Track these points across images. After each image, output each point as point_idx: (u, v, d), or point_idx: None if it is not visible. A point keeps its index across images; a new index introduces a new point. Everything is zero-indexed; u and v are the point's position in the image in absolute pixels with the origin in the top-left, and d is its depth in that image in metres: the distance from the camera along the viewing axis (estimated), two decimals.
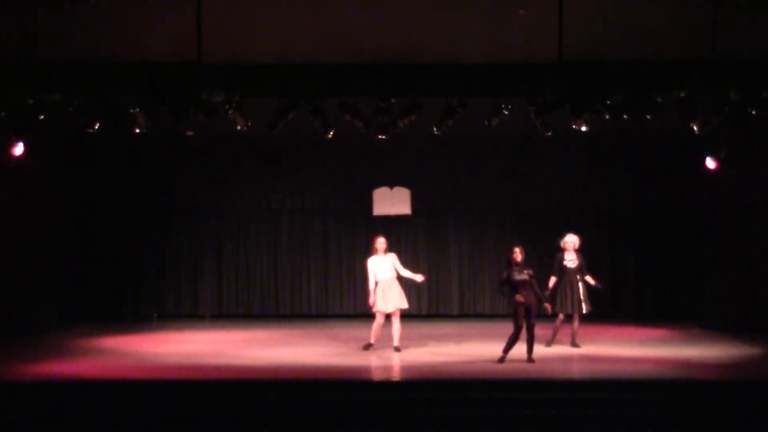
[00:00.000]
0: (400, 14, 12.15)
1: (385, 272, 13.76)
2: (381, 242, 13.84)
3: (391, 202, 18.26)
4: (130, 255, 18.32)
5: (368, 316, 18.14)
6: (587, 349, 13.98)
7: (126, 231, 18.28)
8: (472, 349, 14.00)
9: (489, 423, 10.51)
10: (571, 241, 14.14)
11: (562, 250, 14.16)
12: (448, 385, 11.44)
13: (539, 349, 13.60)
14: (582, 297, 13.95)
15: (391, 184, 18.25)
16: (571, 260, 14.04)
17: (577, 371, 12.24)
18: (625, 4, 12.12)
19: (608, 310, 18.28)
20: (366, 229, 18.43)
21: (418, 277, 14.03)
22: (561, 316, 13.98)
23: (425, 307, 18.59)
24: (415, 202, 18.26)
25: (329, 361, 13.00)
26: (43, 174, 15.94)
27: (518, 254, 12.87)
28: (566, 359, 13.06)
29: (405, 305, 13.82)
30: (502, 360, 12.58)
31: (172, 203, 18.42)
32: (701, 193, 16.95)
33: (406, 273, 13.92)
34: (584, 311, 13.96)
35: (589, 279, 14.12)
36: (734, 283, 16.03)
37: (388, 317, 13.80)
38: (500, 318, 14.88)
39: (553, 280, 14.10)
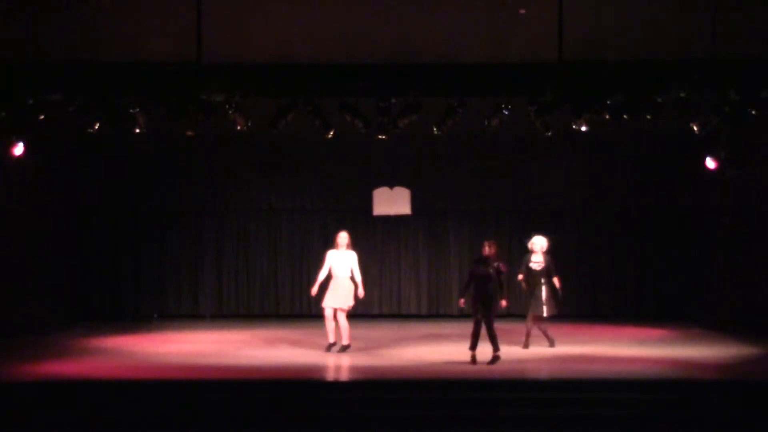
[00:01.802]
0: (399, 14, 12.16)
1: (341, 269, 13.58)
2: (343, 237, 13.68)
3: (391, 202, 18.25)
4: (130, 255, 18.32)
5: (367, 316, 18.22)
6: (588, 349, 13.97)
7: (126, 231, 18.28)
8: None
9: (488, 423, 10.51)
10: (538, 242, 14.02)
11: (529, 252, 14.07)
12: (448, 385, 11.43)
13: (537, 350, 13.65)
14: (544, 300, 13.80)
15: (391, 184, 18.25)
16: (537, 262, 13.92)
17: (577, 371, 12.23)
18: (625, 4, 12.13)
19: (608, 310, 18.33)
20: (366, 229, 18.45)
21: (360, 292, 13.68)
22: (530, 316, 13.91)
23: (425, 307, 18.60)
24: (415, 202, 18.26)
25: (328, 361, 12.99)
26: (43, 174, 15.94)
27: (486, 248, 12.82)
28: (566, 359, 13.05)
29: (351, 303, 13.61)
30: (495, 359, 12.57)
31: (172, 203, 18.41)
32: (701, 193, 16.95)
33: (358, 278, 13.66)
34: (545, 314, 13.80)
35: (555, 281, 13.97)
36: (734, 283, 16.03)
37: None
38: (500, 318, 14.84)
39: (520, 277, 14.01)
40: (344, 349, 13.51)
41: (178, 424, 10.54)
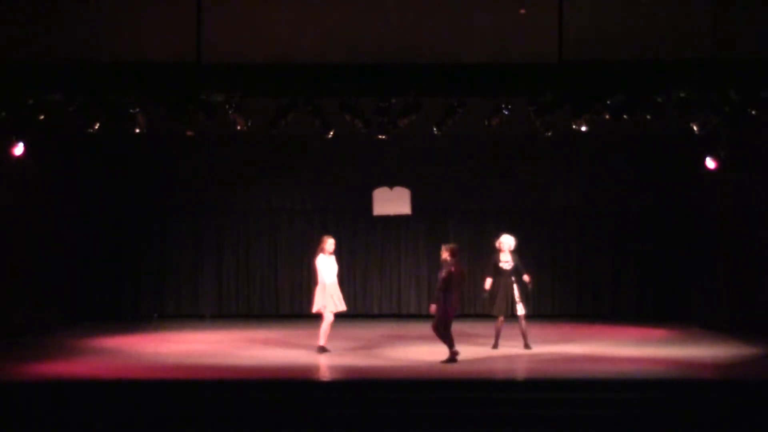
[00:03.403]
0: (400, 14, 12.15)
1: (334, 274, 13.60)
2: (332, 243, 13.66)
3: (391, 202, 18.25)
4: (130, 255, 18.32)
5: (367, 316, 18.24)
6: (588, 349, 13.98)
7: (126, 231, 18.28)
8: (471, 349, 13.99)
9: (489, 423, 10.51)
10: (506, 242, 13.98)
11: (497, 251, 14.02)
12: (448, 385, 11.44)
13: (537, 350, 13.69)
14: (517, 298, 13.77)
15: (391, 184, 18.24)
16: (506, 261, 13.88)
17: (577, 371, 12.24)
18: (624, 4, 12.13)
19: (608, 310, 18.33)
20: (366, 229, 18.44)
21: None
22: (501, 318, 13.84)
23: (425, 307, 18.56)
24: (415, 202, 18.26)
25: (328, 361, 13.00)
26: (43, 174, 15.94)
27: (445, 252, 12.90)
28: (566, 359, 13.06)
29: (343, 308, 13.71)
30: (455, 358, 12.64)
31: (172, 203, 18.41)
32: (701, 193, 16.95)
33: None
34: (518, 312, 13.77)
35: (525, 278, 13.93)
36: (734, 283, 16.03)
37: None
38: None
39: (488, 282, 13.96)
40: (325, 350, 13.55)
41: (178, 424, 10.54)
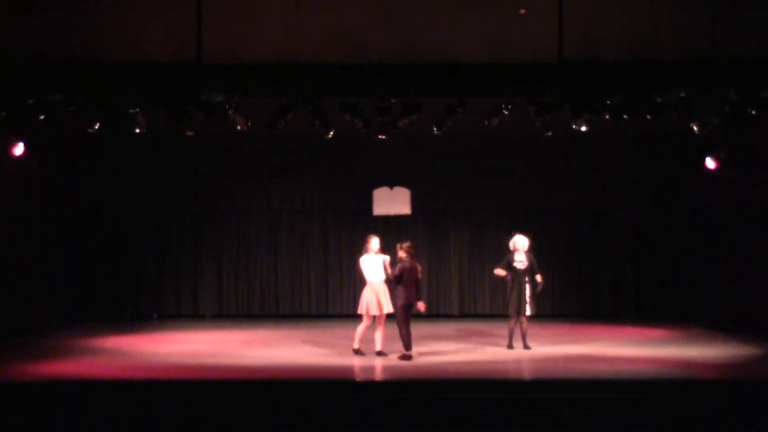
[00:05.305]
0: (400, 14, 12.16)
1: (378, 274, 13.35)
2: (376, 242, 13.41)
3: (391, 202, 18.26)
4: (130, 255, 18.34)
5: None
6: (588, 349, 13.98)
7: (126, 231, 18.31)
8: (472, 349, 14.00)
9: (489, 423, 10.50)
10: (520, 242, 13.90)
11: (511, 252, 13.91)
12: (448, 385, 11.44)
13: (536, 350, 13.67)
14: (528, 299, 13.72)
15: (391, 184, 18.25)
16: (520, 261, 13.78)
17: (577, 371, 12.24)
18: (624, 4, 12.13)
19: (608, 310, 18.34)
20: (366, 229, 18.42)
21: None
22: (515, 318, 13.79)
23: (425, 307, 18.58)
24: (415, 202, 18.27)
25: (329, 361, 12.99)
26: (43, 174, 15.95)
27: (399, 251, 13.03)
28: (566, 359, 13.05)
29: (392, 309, 13.25)
30: (410, 357, 12.76)
31: (173, 203, 18.44)
32: (701, 193, 16.96)
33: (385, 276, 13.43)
34: (528, 313, 13.72)
35: (537, 278, 13.85)
36: (734, 283, 16.03)
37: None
38: (500, 318, 14.90)
39: (498, 271, 13.93)
40: (382, 354, 13.30)
41: (178, 424, 10.53)
